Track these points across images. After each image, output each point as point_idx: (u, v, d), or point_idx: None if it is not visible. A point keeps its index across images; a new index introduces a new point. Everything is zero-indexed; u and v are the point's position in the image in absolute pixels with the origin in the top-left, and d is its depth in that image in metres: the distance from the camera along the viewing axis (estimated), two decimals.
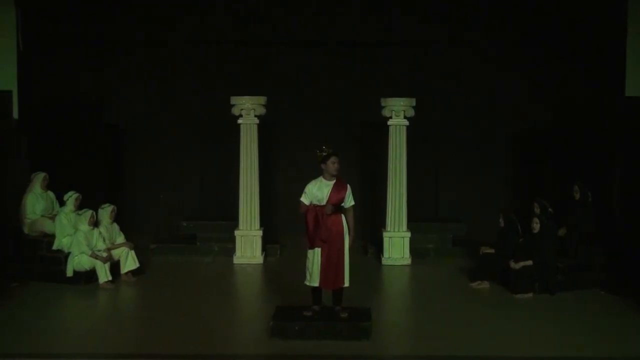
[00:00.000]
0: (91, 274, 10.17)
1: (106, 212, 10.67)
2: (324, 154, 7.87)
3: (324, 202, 7.84)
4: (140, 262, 10.63)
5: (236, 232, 11.78)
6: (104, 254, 10.20)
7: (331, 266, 7.88)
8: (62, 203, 10.73)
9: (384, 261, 11.68)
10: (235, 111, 11.72)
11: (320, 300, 8.11)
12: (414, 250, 11.79)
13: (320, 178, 7.93)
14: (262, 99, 11.74)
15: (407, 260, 11.69)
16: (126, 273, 10.45)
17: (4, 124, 10.47)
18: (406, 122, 11.69)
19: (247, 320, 8.92)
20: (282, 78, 13.24)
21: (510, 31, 13.04)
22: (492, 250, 10.53)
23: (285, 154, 13.44)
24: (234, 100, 11.70)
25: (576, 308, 9.27)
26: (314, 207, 7.88)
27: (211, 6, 13.10)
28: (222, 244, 12.08)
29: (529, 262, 9.79)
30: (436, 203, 13.46)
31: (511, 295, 9.72)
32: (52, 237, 10.52)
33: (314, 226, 7.87)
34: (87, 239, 10.22)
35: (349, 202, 7.97)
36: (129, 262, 10.49)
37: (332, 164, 7.86)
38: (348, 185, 7.96)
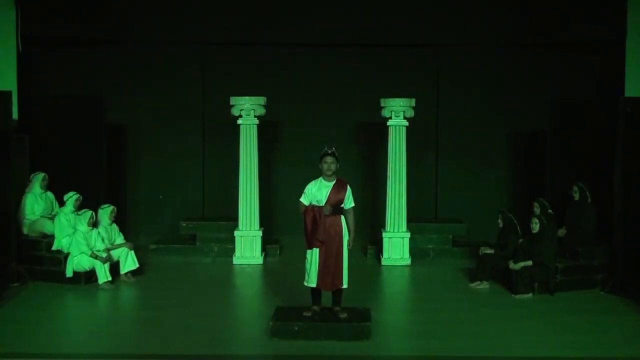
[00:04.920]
0: (91, 274, 10.16)
1: (106, 212, 10.66)
2: (322, 154, 7.90)
3: (323, 203, 7.84)
4: (140, 262, 10.63)
5: (236, 233, 11.77)
6: (104, 254, 10.20)
7: (329, 267, 7.87)
8: (61, 203, 10.73)
9: (384, 261, 11.67)
10: (235, 111, 11.71)
11: (319, 300, 8.11)
12: (413, 251, 11.79)
13: (321, 179, 7.93)
14: (262, 99, 11.74)
15: (407, 261, 11.68)
16: (126, 273, 10.45)
17: (3, 124, 10.45)
18: (406, 123, 11.68)
19: (247, 320, 8.92)
20: (282, 78, 13.24)
21: (510, 31, 13.04)
22: (492, 250, 10.54)
23: (285, 154, 13.44)
24: (234, 100, 11.70)
25: (576, 308, 9.26)
26: (312, 208, 7.88)
27: (212, 6, 13.09)
28: (221, 244, 12.08)
29: (529, 263, 9.79)
30: (436, 203, 13.45)
31: (511, 295, 9.72)
32: (51, 237, 10.52)
33: (312, 227, 7.87)
34: (86, 240, 10.21)
35: (349, 203, 7.96)
36: (129, 262, 10.48)
37: (324, 164, 7.87)
38: (348, 187, 7.95)
